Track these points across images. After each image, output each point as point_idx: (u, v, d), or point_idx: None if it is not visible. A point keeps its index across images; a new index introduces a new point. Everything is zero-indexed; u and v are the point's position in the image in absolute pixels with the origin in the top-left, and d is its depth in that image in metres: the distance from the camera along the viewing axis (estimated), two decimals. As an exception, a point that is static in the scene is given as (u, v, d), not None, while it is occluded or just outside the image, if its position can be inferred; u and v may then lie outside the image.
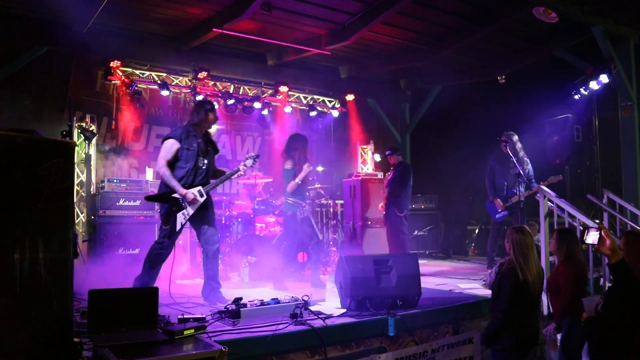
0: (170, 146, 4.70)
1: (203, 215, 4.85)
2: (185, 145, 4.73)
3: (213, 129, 9.02)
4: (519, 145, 6.91)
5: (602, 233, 2.96)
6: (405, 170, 7.37)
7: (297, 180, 5.79)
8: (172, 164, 4.71)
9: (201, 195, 4.76)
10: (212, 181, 4.91)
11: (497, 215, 7.00)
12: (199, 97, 7.91)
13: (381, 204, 7.71)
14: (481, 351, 4.68)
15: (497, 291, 3.79)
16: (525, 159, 6.89)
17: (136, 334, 3.25)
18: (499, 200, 6.90)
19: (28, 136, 2.69)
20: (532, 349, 3.93)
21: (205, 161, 4.86)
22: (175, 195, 4.68)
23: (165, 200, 4.71)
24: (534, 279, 3.70)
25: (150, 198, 4.80)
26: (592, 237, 3.04)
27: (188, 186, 4.72)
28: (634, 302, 2.99)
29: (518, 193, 6.50)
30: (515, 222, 6.89)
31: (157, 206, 4.74)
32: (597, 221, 5.33)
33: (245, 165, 4.99)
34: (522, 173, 6.31)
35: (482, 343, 4.23)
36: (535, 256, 3.79)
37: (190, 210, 4.73)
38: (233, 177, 5.05)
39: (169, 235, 4.72)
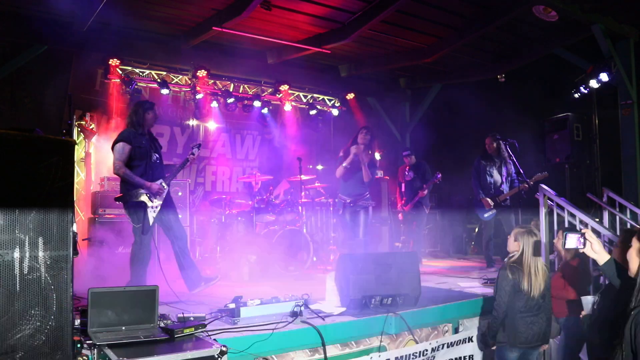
0: (122, 148, 4.84)
1: (168, 211, 5.00)
2: (136, 144, 4.88)
3: (212, 127, 8.98)
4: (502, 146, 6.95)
5: (587, 237, 2.88)
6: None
7: (344, 164, 5.69)
8: (127, 165, 4.85)
9: (164, 187, 4.95)
10: (167, 174, 5.07)
11: (484, 215, 6.98)
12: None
13: (405, 204, 7.96)
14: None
15: (495, 290, 3.99)
16: (509, 160, 6.89)
17: (136, 333, 3.25)
18: (487, 199, 6.89)
19: (28, 135, 2.69)
20: (537, 348, 3.97)
21: (157, 155, 5.05)
22: (142, 191, 4.81)
23: (134, 197, 4.81)
24: (529, 277, 3.82)
25: (119, 199, 4.89)
26: (573, 241, 2.90)
27: (150, 181, 4.87)
28: (628, 299, 2.97)
29: (504, 191, 6.67)
30: (503, 220, 6.91)
31: (123, 210, 4.88)
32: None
33: (192, 154, 5.18)
34: (521, 171, 6.30)
35: (484, 342, 4.25)
36: (529, 254, 3.88)
37: (157, 203, 4.88)
38: (185, 166, 5.24)
39: (144, 232, 4.83)
